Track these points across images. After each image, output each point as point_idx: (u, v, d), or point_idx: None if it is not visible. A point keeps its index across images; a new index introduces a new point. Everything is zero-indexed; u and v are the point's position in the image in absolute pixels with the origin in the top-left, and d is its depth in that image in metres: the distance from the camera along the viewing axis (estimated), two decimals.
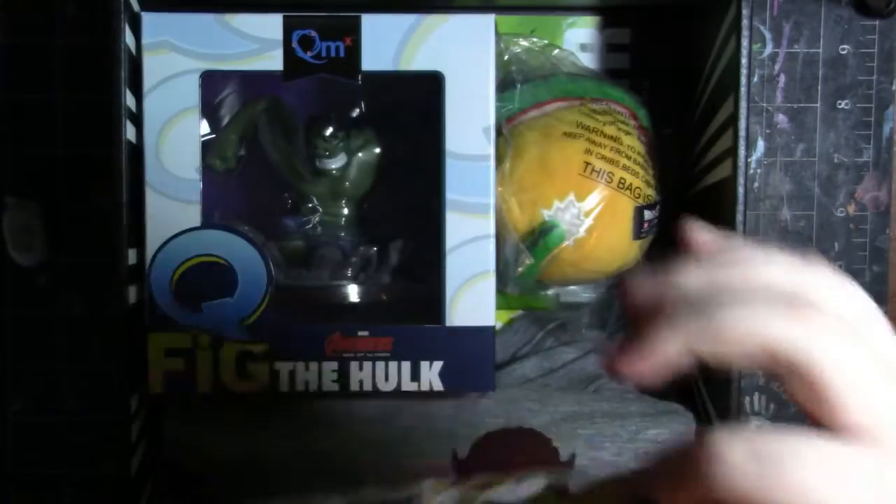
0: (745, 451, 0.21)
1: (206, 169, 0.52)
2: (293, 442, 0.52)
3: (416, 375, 0.51)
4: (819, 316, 0.22)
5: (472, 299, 0.50)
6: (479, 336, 0.51)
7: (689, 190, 0.57)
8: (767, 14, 0.58)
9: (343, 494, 0.44)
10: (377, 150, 0.55)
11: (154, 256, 0.50)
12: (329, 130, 0.53)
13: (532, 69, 0.56)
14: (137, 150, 0.49)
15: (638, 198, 0.53)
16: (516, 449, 0.53)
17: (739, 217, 0.45)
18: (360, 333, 0.51)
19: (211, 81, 0.51)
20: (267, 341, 0.51)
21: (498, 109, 0.51)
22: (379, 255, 0.55)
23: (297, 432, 0.52)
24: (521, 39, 0.57)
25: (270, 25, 0.50)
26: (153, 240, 0.50)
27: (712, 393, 0.50)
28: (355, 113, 0.55)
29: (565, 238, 0.52)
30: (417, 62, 0.50)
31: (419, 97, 0.52)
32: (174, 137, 0.49)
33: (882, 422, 0.22)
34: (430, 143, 0.51)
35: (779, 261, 0.24)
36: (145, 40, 0.49)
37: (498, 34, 0.51)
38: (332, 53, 0.50)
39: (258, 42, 0.50)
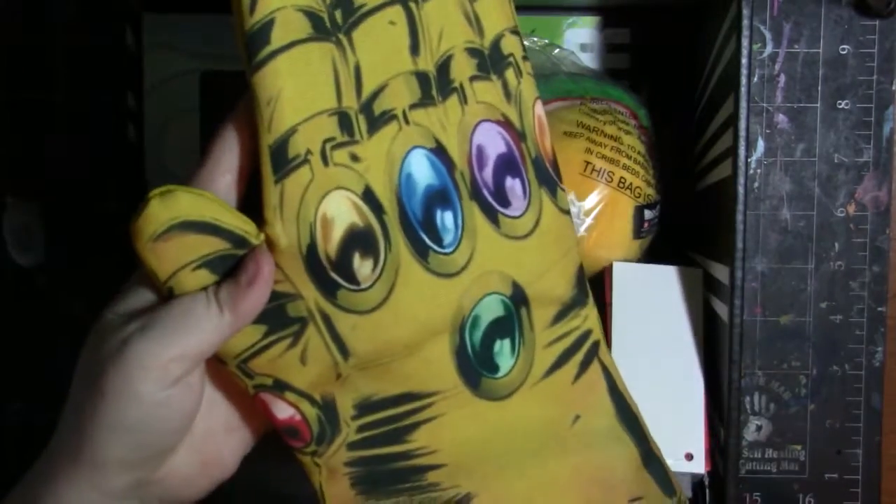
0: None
1: None
2: None
3: None
4: None
5: None
6: None
7: (689, 190, 0.57)
8: (767, 14, 0.58)
9: None
10: None
11: None
12: None
13: (532, 69, 0.55)
14: (137, 150, 0.49)
15: (638, 197, 0.53)
16: None
17: (739, 217, 0.45)
18: None
19: (211, 81, 0.51)
20: None
21: None
22: None
23: None
24: None
25: None
26: None
27: (711, 392, 0.50)
28: None
29: None
30: None
31: None
32: (174, 137, 0.50)
33: None
34: None
35: None
36: (145, 40, 0.49)
37: None
38: None
39: None
